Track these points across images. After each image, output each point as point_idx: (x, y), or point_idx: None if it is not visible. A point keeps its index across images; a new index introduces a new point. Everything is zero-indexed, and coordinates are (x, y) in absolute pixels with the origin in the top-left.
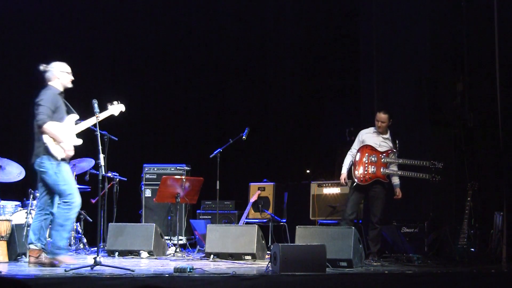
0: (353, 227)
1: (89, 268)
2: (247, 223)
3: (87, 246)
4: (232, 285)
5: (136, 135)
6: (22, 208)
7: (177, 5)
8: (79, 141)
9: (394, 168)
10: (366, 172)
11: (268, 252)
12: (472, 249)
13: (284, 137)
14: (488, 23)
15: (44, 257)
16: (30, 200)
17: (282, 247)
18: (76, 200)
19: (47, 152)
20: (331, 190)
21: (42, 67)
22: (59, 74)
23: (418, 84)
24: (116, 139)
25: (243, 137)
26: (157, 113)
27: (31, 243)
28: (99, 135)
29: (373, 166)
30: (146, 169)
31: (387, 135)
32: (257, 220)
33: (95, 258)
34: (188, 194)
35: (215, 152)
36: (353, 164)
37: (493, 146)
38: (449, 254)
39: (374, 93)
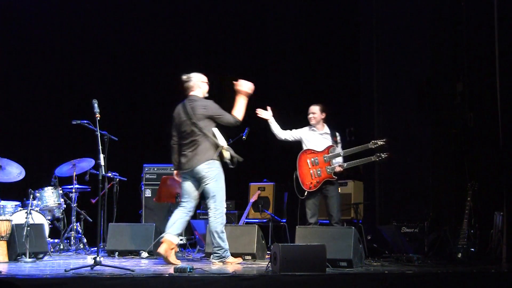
0: (353, 227)
1: (89, 268)
2: (247, 223)
3: (87, 246)
4: (232, 285)
5: (136, 135)
6: (22, 208)
7: (178, 6)
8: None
9: (339, 159)
10: (312, 178)
11: (268, 252)
12: (472, 249)
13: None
14: (488, 23)
15: (173, 253)
16: (30, 200)
17: (282, 247)
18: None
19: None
20: None
21: (184, 77)
22: (200, 84)
23: (418, 84)
24: (116, 139)
25: (243, 137)
26: (157, 113)
27: (170, 234)
28: (99, 135)
29: (317, 169)
30: (146, 169)
31: (324, 130)
32: (257, 220)
33: (95, 258)
34: None
35: None
36: (298, 175)
37: (493, 146)
38: (449, 254)
39: (374, 93)
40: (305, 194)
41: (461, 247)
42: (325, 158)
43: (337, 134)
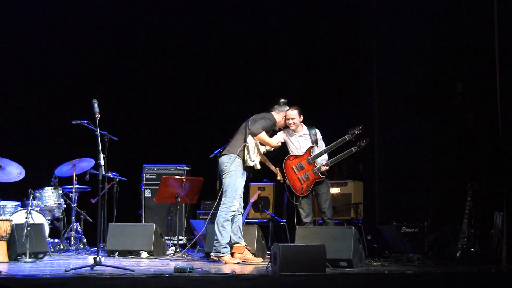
0: (353, 227)
1: (89, 268)
2: (247, 223)
3: (87, 246)
4: (232, 285)
5: (136, 135)
6: (22, 208)
7: (178, 6)
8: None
9: (323, 157)
10: (302, 183)
11: (268, 252)
12: (472, 249)
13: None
14: (488, 23)
15: (247, 253)
16: (30, 200)
17: (282, 247)
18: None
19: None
20: (331, 190)
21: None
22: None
23: (418, 84)
24: (116, 139)
25: None
26: (157, 113)
27: (235, 242)
28: (99, 135)
29: (304, 173)
30: (146, 169)
31: (303, 131)
32: (257, 220)
33: (95, 258)
34: (188, 194)
35: (215, 152)
36: (289, 181)
37: (493, 146)
38: (449, 254)
39: (374, 93)
40: (300, 199)
41: (461, 247)
42: (309, 160)
43: (316, 131)
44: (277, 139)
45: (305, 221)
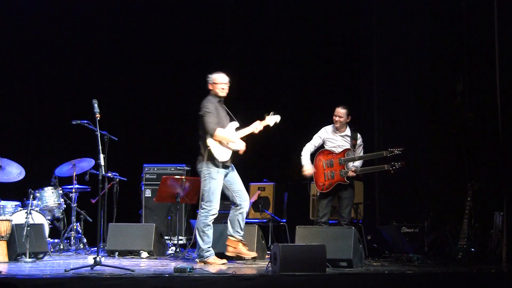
0: (353, 227)
1: (89, 268)
2: (247, 223)
3: (87, 246)
4: (232, 285)
5: (136, 135)
6: (22, 208)
7: (178, 6)
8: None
9: (356, 163)
10: (325, 179)
11: (268, 252)
12: (472, 249)
13: (284, 137)
14: (488, 23)
15: (241, 248)
16: (30, 200)
17: (282, 247)
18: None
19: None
20: None
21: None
22: (213, 85)
23: (418, 85)
24: (116, 139)
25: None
26: (157, 113)
27: (230, 235)
28: (99, 135)
29: (331, 171)
30: (146, 169)
31: (345, 132)
32: (257, 220)
33: (95, 258)
34: (188, 194)
35: None
36: (314, 174)
37: (493, 146)
38: (449, 254)
39: (374, 93)
40: (317, 193)
41: (461, 247)
42: (340, 161)
43: (359, 136)
44: (313, 148)
45: (321, 221)
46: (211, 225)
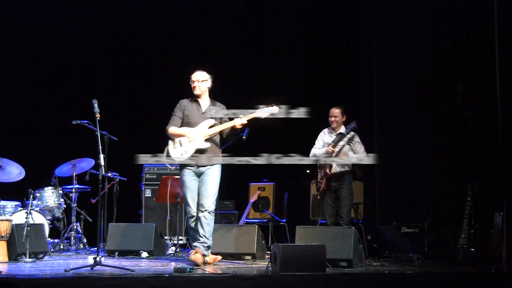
0: (353, 227)
1: (89, 268)
2: (247, 223)
3: (87, 246)
4: (232, 285)
5: (136, 135)
6: (22, 208)
7: (177, 6)
8: (205, 145)
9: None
10: (319, 180)
11: (268, 252)
12: (472, 249)
13: (284, 137)
14: (488, 23)
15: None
16: (30, 200)
17: (282, 247)
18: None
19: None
20: None
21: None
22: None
23: (418, 84)
24: (116, 139)
25: (243, 137)
26: (157, 113)
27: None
28: (99, 135)
29: (321, 171)
30: (146, 169)
31: (340, 130)
32: (257, 220)
33: (95, 258)
34: None
35: None
36: (314, 179)
37: (493, 146)
38: (449, 254)
39: (374, 93)
40: (320, 189)
41: (461, 247)
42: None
43: (354, 136)
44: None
45: (331, 221)
46: (196, 228)
